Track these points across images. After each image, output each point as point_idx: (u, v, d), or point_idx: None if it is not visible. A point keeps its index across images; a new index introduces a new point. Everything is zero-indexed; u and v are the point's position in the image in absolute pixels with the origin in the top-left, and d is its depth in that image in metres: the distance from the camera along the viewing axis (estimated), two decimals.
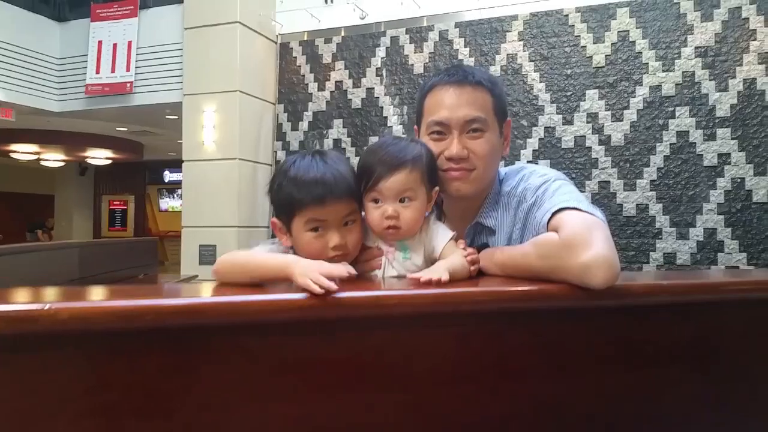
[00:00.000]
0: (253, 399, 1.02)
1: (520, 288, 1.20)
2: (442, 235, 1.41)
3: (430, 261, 1.40)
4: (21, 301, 0.97)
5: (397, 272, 1.39)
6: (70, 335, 0.93)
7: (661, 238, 4.84)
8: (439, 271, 1.18)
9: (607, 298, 1.15)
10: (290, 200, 1.33)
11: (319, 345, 1.06)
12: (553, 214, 1.29)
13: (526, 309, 1.19)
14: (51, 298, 1.03)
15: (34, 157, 11.75)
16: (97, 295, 1.16)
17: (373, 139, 5.82)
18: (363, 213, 1.41)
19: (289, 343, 1.05)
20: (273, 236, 1.45)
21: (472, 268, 1.36)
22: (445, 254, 1.37)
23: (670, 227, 4.82)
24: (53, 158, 12.18)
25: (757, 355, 1.34)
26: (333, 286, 1.04)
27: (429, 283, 1.15)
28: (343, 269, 1.11)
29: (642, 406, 1.25)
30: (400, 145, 1.41)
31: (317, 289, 1.03)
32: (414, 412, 1.11)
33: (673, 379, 1.26)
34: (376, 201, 1.38)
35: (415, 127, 1.64)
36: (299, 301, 1.03)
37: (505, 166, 1.68)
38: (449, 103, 1.50)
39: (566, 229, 1.22)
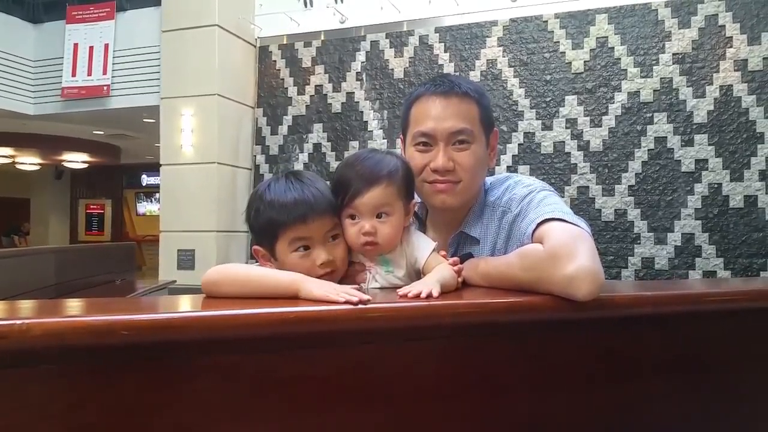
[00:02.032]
0: (234, 417, 0.99)
1: (504, 300, 1.19)
2: (424, 246, 1.39)
3: (413, 272, 1.38)
4: None
5: (380, 285, 1.38)
6: (43, 352, 0.89)
7: (639, 243, 4.88)
8: (429, 285, 1.16)
9: (592, 309, 1.14)
10: (271, 224, 1.30)
11: (301, 361, 1.04)
12: (538, 224, 1.28)
13: (510, 321, 1.18)
14: (24, 314, 0.99)
15: (9, 160, 11.59)
16: (71, 310, 1.13)
17: (354, 144, 5.81)
18: None
19: (270, 359, 1.02)
20: (252, 256, 1.42)
21: (459, 279, 1.34)
22: (429, 265, 1.35)
23: (648, 232, 4.86)
24: (29, 162, 12.03)
25: (742, 365, 1.35)
26: (368, 297, 1.05)
27: (419, 297, 1.13)
28: (361, 294, 1.07)
29: (628, 418, 1.25)
30: (375, 158, 1.38)
31: (353, 299, 1.03)
32: (398, 428, 1.10)
33: (659, 390, 1.26)
34: (352, 217, 1.35)
35: (401, 136, 1.61)
36: (283, 315, 1.01)
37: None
38: (435, 114, 1.48)
39: (551, 240, 1.21)
